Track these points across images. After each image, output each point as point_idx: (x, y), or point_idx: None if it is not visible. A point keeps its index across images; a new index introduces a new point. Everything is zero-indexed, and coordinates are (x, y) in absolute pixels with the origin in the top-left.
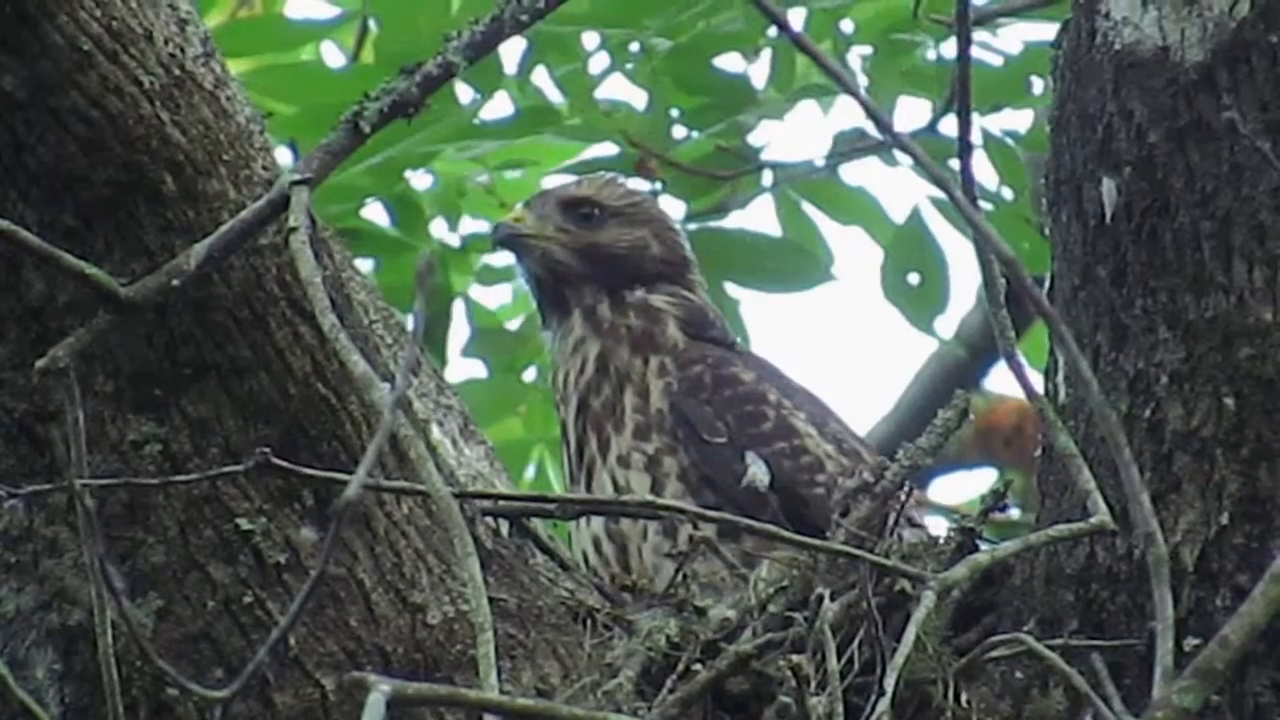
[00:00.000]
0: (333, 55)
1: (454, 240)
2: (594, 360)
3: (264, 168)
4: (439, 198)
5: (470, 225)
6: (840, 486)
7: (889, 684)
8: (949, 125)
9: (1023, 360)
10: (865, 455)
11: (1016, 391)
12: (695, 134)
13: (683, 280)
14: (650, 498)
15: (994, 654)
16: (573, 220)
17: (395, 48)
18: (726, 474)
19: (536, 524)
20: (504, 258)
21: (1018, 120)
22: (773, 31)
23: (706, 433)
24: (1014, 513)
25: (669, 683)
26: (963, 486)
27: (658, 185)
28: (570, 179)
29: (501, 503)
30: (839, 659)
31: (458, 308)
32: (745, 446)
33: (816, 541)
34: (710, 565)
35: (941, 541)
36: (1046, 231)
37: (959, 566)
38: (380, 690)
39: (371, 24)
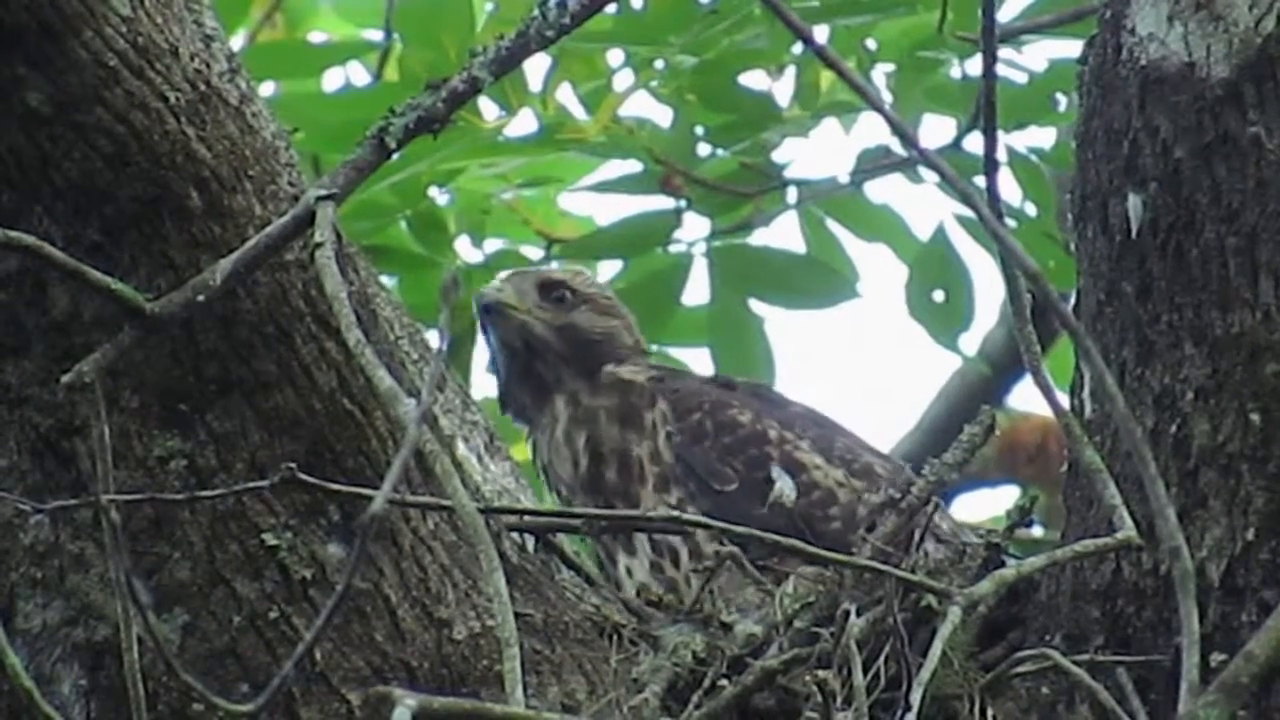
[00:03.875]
0: (357, 73)
1: (478, 257)
2: (585, 447)
3: (290, 183)
4: (463, 215)
5: (494, 243)
6: (866, 502)
7: (915, 699)
8: (973, 143)
9: (1048, 375)
10: (879, 468)
11: (1039, 408)
12: (720, 151)
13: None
14: (675, 513)
15: (1020, 669)
16: (549, 300)
17: (420, 65)
18: (743, 520)
19: (561, 539)
20: None
21: (1042, 137)
22: (797, 48)
23: (717, 483)
24: (1037, 530)
25: (695, 698)
26: (985, 504)
27: (682, 202)
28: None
29: (527, 518)
30: (865, 674)
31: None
32: (754, 491)
33: (842, 557)
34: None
35: (967, 557)
36: (1072, 247)
37: (985, 582)
38: (406, 704)
39: (396, 41)
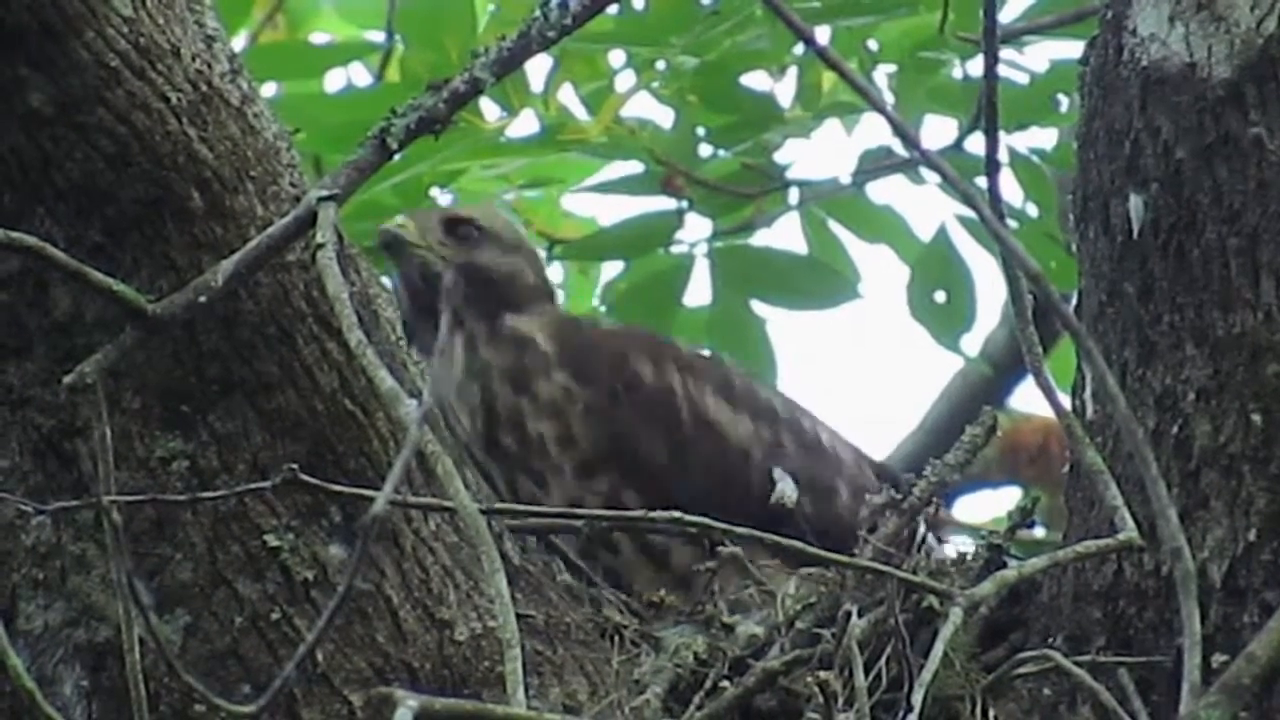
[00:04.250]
0: (359, 74)
1: None
2: (480, 405)
3: (291, 184)
4: None
5: None
6: (868, 502)
7: (916, 700)
8: (975, 143)
9: (1050, 376)
10: (778, 407)
11: (1041, 410)
12: (721, 152)
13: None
14: (678, 514)
15: (1022, 670)
16: (453, 238)
17: (421, 66)
18: (679, 496)
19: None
20: None
21: (1043, 138)
22: (799, 49)
23: (644, 448)
24: (1039, 531)
25: (696, 699)
26: (987, 505)
27: (684, 203)
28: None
29: (529, 519)
30: (866, 675)
31: None
32: (684, 462)
33: (844, 558)
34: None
35: (969, 558)
36: (1074, 248)
37: (986, 583)
38: (407, 706)
39: (398, 42)
